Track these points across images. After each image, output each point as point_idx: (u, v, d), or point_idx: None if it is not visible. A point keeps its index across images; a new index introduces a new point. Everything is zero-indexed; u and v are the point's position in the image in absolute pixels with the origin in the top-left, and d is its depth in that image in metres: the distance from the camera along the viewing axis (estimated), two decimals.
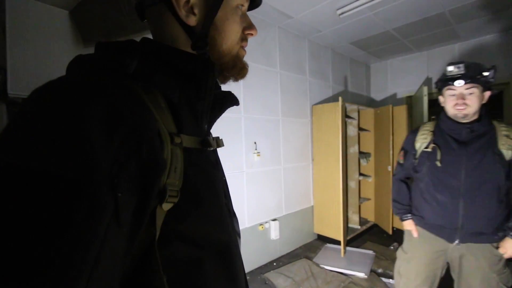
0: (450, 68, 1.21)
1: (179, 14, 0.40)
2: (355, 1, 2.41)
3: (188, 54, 0.40)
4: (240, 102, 0.51)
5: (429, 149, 1.32)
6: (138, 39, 0.42)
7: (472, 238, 1.21)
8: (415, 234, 1.39)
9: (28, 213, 0.20)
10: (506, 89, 3.25)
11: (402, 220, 1.47)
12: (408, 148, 1.45)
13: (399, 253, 1.49)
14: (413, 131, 1.48)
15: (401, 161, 1.50)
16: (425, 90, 2.99)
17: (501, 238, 1.20)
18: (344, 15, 2.58)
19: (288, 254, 2.90)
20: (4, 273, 0.19)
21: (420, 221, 1.37)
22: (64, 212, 0.21)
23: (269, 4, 2.40)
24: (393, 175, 1.58)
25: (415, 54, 3.91)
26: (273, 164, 2.82)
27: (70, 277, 0.21)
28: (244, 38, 0.47)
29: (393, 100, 4.08)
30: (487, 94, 1.23)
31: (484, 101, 1.23)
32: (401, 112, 3.24)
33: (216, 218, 0.40)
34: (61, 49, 1.56)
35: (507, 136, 1.21)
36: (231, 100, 0.49)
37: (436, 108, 5.03)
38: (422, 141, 1.37)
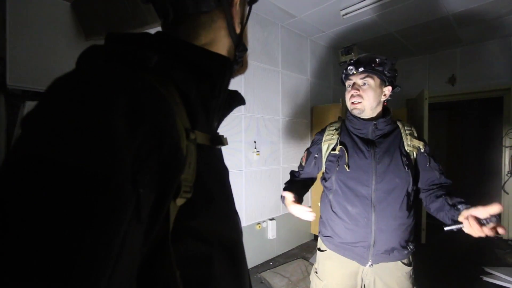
0: (343, 58, 1.17)
1: (234, 22, 0.44)
2: (359, 2, 2.41)
3: (207, 52, 0.41)
4: None
5: (336, 151, 1.14)
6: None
7: (384, 257, 1.07)
8: (291, 198, 1.09)
9: (52, 207, 0.20)
10: (506, 94, 3.26)
11: (284, 190, 1.19)
12: (312, 150, 1.26)
13: (314, 279, 1.24)
14: (320, 131, 1.30)
15: (303, 163, 1.30)
16: (426, 93, 2.99)
17: (411, 252, 1.10)
18: (348, 16, 2.58)
19: (284, 254, 2.90)
20: (26, 270, 0.18)
21: (331, 242, 1.17)
22: (88, 207, 0.21)
23: (273, 2, 2.39)
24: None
25: (417, 57, 3.92)
26: (272, 163, 2.81)
27: (93, 274, 0.20)
28: None
29: (393, 103, 4.09)
30: (388, 89, 1.12)
31: (385, 97, 1.13)
32: (401, 115, 3.25)
33: (225, 215, 0.41)
34: (62, 41, 1.54)
35: (411, 134, 1.13)
36: (238, 99, 0.50)
37: (436, 112, 5.02)
38: (329, 142, 1.19)
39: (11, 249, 0.18)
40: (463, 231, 0.83)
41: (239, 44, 0.47)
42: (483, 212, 0.79)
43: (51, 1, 1.50)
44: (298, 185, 1.27)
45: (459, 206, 0.91)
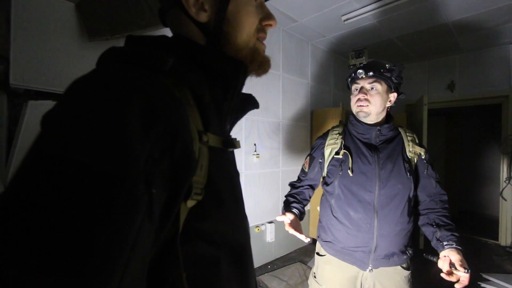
0: (353, 61, 1.15)
1: (189, 13, 0.40)
2: (360, 8, 2.43)
3: (221, 54, 0.41)
4: None
5: (340, 156, 1.13)
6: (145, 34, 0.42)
7: (384, 262, 1.07)
8: (287, 221, 1.09)
9: (68, 204, 0.20)
10: (505, 102, 3.29)
11: (285, 211, 1.18)
12: (315, 155, 1.24)
13: (313, 284, 1.23)
14: (322, 136, 1.28)
15: (306, 169, 1.27)
16: (425, 99, 3.02)
17: (410, 257, 1.12)
18: (349, 21, 2.60)
19: (283, 257, 2.89)
20: (40, 264, 0.18)
21: (331, 247, 1.16)
22: (103, 206, 0.21)
23: (275, 6, 2.41)
24: (293, 181, 1.33)
25: (416, 63, 3.95)
26: (271, 166, 2.82)
27: (107, 270, 0.21)
28: (261, 29, 0.45)
29: (393, 108, 4.10)
30: (393, 96, 1.13)
31: (390, 104, 1.14)
32: (400, 120, 3.26)
33: (234, 219, 0.41)
34: (66, 41, 1.55)
35: (413, 140, 1.14)
36: (252, 103, 0.49)
37: (435, 118, 5.04)
38: (333, 146, 1.17)
39: (27, 244, 0.19)
40: (436, 263, 1.01)
41: (210, 35, 0.41)
42: (456, 261, 0.96)
43: (56, 1, 1.52)
44: (295, 204, 1.23)
45: (444, 243, 1.02)
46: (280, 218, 1.12)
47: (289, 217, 1.10)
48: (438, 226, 1.08)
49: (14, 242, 0.19)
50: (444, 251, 1.00)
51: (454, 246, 1.00)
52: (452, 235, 1.03)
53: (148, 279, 0.28)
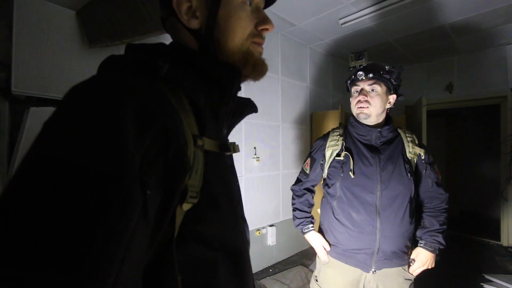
0: (353, 63, 1.19)
1: (181, 20, 0.41)
2: (357, 12, 2.46)
3: (215, 60, 0.42)
4: None
5: (341, 157, 1.14)
6: (145, 41, 0.43)
7: (387, 263, 1.08)
8: (323, 257, 1.17)
9: (66, 204, 0.21)
10: (503, 102, 3.30)
11: (304, 232, 1.24)
12: (316, 156, 1.24)
13: (314, 287, 1.24)
14: (322, 137, 1.28)
15: (307, 170, 1.27)
16: (424, 100, 3.03)
17: (411, 257, 1.13)
18: (346, 24, 2.62)
19: (284, 260, 2.88)
20: (37, 263, 0.19)
21: (333, 250, 1.16)
22: (99, 206, 0.22)
23: (273, 11, 2.44)
24: (294, 185, 1.33)
25: (415, 65, 3.97)
26: (272, 169, 2.82)
27: (102, 269, 0.21)
28: (257, 34, 0.45)
29: (392, 109, 4.11)
30: (393, 97, 1.15)
31: (389, 105, 1.15)
32: (400, 122, 3.27)
33: (231, 223, 0.41)
34: (67, 48, 1.57)
35: (413, 141, 1.16)
36: (251, 107, 0.50)
37: (434, 119, 5.04)
38: (333, 148, 1.18)
39: (24, 244, 0.19)
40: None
41: (201, 41, 0.42)
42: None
43: (57, 9, 1.54)
44: (311, 220, 1.29)
45: (419, 242, 1.13)
46: (323, 257, 1.20)
47: (323, 243, 1.20)
48: (421, 225, 1.15)
49: (13, 241, 0.19)
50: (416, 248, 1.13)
51: (422, 245, 1.11)
52: (429, 236, 1.10)
53: (145, 282, 0.28)
